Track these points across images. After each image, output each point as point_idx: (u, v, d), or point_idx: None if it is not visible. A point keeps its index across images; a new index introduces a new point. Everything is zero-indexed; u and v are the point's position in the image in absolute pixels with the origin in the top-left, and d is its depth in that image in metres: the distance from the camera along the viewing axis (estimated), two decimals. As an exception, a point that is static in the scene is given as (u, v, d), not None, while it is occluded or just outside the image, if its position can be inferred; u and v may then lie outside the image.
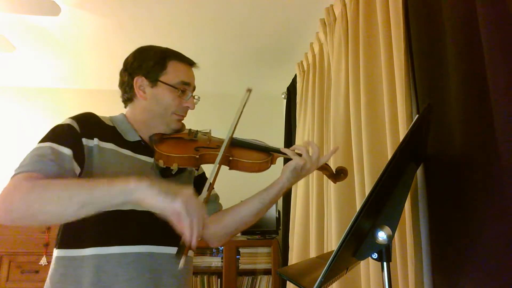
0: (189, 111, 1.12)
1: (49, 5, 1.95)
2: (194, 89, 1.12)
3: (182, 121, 1.14)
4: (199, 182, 1.17)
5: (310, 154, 1.06)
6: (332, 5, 2.06)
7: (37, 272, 2.63)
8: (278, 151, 1.11)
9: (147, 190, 0.76)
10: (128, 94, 1.08)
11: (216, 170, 0.95)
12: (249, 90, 1.11)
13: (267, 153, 1.10)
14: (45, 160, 0.85)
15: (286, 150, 1.08)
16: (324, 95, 2.15)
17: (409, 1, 1.31)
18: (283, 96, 3.37)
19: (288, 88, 3.29)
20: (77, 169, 0.91)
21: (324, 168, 1.14)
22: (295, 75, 3.03)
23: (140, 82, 1.05)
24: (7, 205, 0.78)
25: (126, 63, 1.09)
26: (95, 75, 3.18)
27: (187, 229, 0.75)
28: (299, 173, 1.06)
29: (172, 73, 1.06)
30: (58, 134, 0.93)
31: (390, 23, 1.41)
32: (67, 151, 0.89)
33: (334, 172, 1.16)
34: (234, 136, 1.07)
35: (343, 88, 1.80)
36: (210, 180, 0.93)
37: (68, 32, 2.50)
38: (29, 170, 0.83)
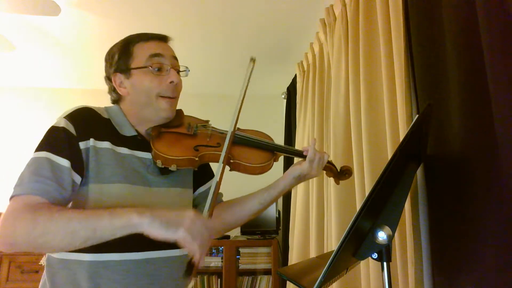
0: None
1: (49, 5, 1.95)
2: (175, 59, 1.04)
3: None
4: (201, 173, 1.13)
5: (318, 160, 1.04)
6: (332, 5, 2.06)
7: (37, 272, 2.63)
8: (285, 150, 1.08)
9: (150, 225, 0.77)
10: (116, 97, 1.06)
11: (219, 177, 0.92)
12: (253, 60, 1.04)
13: (271, 153, 1.06)
14: (44, 178, 0.84)
15: (293, 149, 1.05)
16: (324, 95, 2.15)
17: (409, 1, 1.31)
18: (283, 96, 3.37)
19: (288, 88, 3.29)
20: (77, 179, 0.90)
21: (329, 169, 1.10)
22: (295, 75, 3.03)
23: (117, 79, 1.02)
24: (9, 239, 0.78)
25: (104, 70, 1.07)
26: (95, 74, 3.17)
27: (195, 252, 0.77)
28: (303, 179, 1.06)
29: (140, 55, 1.01)
30: (54, 142, 0.90)
31: (390, 23, 1.41)
32: (65, 162, 0.87)
33: (339, 171, 1.13)
34: (237, 127, 1.04)
35: (343, 88, 1.80)
36: (212, 189, 0.89)
37: (68, 32, 2.50)
38: (28, 192, 0.82)
